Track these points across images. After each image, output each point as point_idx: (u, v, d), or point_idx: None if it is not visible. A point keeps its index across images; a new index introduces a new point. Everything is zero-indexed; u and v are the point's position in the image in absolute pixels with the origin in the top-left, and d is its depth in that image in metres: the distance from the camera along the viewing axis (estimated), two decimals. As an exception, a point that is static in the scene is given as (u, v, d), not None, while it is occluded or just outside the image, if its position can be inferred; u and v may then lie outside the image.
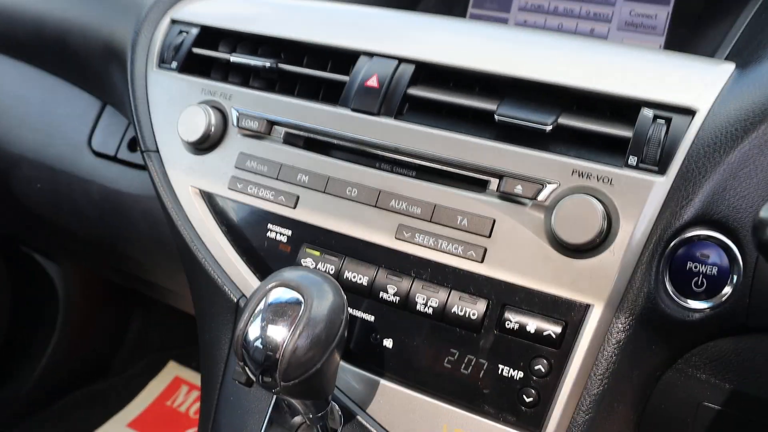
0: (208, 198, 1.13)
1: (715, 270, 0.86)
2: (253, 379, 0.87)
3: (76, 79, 1.51)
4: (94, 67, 1.38)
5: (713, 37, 1.23)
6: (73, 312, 2.16)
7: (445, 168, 0.99)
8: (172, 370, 2.39)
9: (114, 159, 1.42)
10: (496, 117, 0.96)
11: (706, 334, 0.88)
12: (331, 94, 1.09)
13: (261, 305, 0.85)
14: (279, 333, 0.83)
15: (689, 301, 0.86)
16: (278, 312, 0.84)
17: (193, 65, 1.21)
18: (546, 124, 0.94)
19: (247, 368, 0.87)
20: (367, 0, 1.31)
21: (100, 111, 1.47)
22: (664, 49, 1.29)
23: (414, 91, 1.03)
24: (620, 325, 0.88)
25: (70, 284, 2.13)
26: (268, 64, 1.12)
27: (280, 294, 0.85)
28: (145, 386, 2.36)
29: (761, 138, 0.85)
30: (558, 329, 0.90)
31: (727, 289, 0.85)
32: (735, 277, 0.84)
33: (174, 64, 1.21)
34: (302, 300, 0.84)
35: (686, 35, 1.28)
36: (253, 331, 0.85)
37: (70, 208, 1.51)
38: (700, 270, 0.86)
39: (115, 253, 1.58)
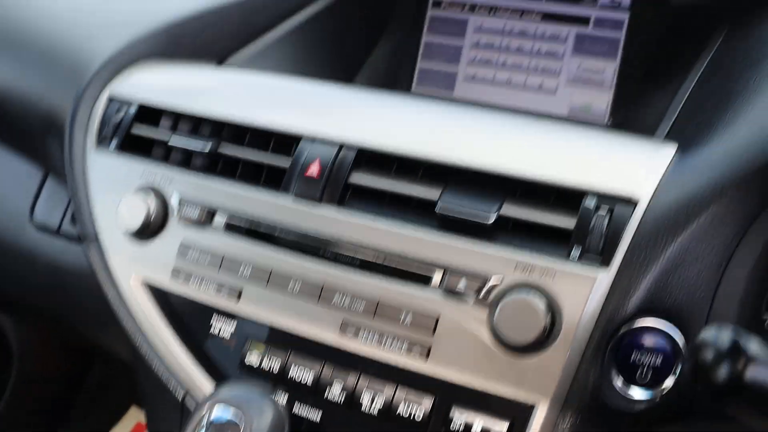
0: (151, 289, 1.11)
1: (659, 359, 0.86)
2: None
3: (16, 147, 1.46)
4: (34, 138, 1.34)
5: (662, 95, 1.23)
6: (28, 361, 2.11)
7: (387, 263, 0.97)
8: (134, 415, 2.36)
9: (57, 233, 1.38)
10: (437, 210, 0.95)
11: (651, 422, 0.88)
12: (275, 174, 1.07)
13: (203, 423, 0.84)
14: (220, 453, 0.82)
15: (635, 390, 0.86)
16: None
17: (133, 143, 1.18)
18: (487, 219, 0.93)
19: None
20: (304, 69, 1.30)
21: (43, 179, 1.42)
22: (608, 127, 1.28)
23: (355, 180, 1.01)
24: (567, 423, 0.88)
25: (24, 335, 2.09)
26: (207, 149, 1.10)
27: (220, 413, 0.84)
28: (107, 433, 2.33)
29: (699, 229, 0.86)
30: (504, 429, 0.90)
31: (671, 379, 0.85)
32: (680, 365, 0.85)
33: (113, 144, 1.18)
34: (243, 419, 0.83)
35: (635, 90, 1.28)
36: (195, 452, 0.84)
37: (15, 282, 1.46)
38: (645, 360, 0.87)
39: (67, 324, 1.54)
